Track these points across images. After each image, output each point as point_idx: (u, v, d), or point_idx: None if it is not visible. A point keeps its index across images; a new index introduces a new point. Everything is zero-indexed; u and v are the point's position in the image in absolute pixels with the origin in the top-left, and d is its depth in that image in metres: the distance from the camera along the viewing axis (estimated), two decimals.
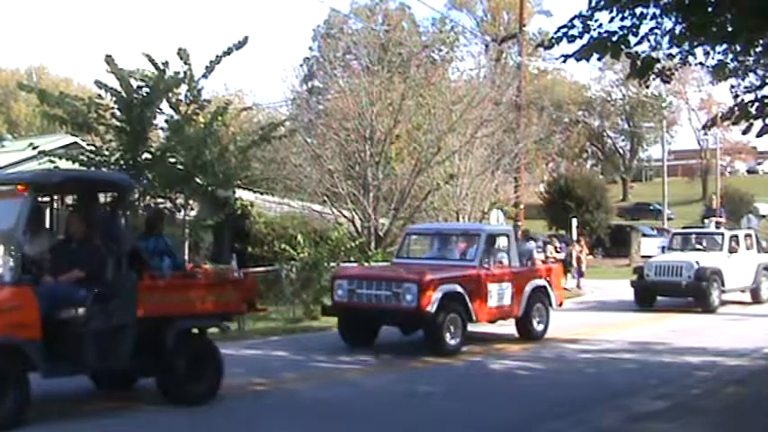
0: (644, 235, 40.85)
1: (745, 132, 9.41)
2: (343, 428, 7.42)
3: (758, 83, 9.43)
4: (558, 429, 7.31)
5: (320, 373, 10.06)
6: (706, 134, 61.34)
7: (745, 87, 9.51)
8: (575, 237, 29.73)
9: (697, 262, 18.33)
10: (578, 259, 26.77)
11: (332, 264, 16.10)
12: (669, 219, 50.72)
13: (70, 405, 7.84)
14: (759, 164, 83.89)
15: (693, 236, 20.78)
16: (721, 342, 13.16)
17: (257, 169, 24.08)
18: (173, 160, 13.80)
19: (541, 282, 13.35)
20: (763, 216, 41.37)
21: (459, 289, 11.64)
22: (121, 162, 13.51)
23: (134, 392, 8.51)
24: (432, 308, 11.11)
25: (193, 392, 7.94)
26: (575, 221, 31.53)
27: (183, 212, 14.07)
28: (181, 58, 13.51)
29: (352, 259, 16.91)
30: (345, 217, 19.68)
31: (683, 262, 18.51)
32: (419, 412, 8.06)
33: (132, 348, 7.49)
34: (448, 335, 11.33)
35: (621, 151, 73.84)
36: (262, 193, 18.93)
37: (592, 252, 29.24)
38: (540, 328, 13.24)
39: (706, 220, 21.73)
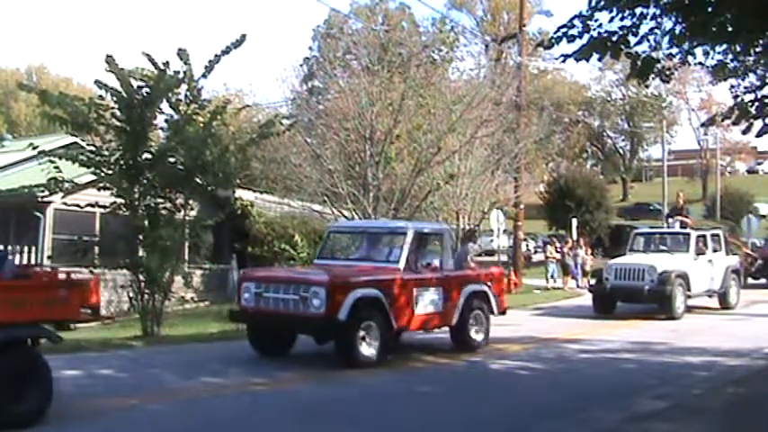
0: None
1: (745, 132, 9.41)
2: (343, 428, 7.42)
3: (758, 83, 9.43)
4: (558, 429, 7.31)
5: (320, 372, 10.05)
6: (706, 134, 61.44)
7: (745, 87, 9.52)
8: (574, 236, 29.78)
9: (661, 265, 17.00)
10: (575, 258, 26.79)
11: None
12: None
13: (70, 405, 7.83)
14: (759, 164, 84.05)
15: (657, 236, 19.39)
16: (721, 342, 13.16)
17: (257, 169, 24.11)
18: (173, 160, 13.79)
19: (480, 287, 12.11)
20: (763, 216, 41.39)
21: (378, 293, 10.37)
22: (121, 162, 13.51)
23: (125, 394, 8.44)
24: (342, 314, 9.88)
25: (10, 415, 6.66)
26: (575, 221, 31.58)
27: (182, 212, 14.05)
28: (180, 59, 13.51)
29: None
30: (345, 217, 19.68)
31: (646, 265, 17.10)
32: (419, 412, 8.05)
33: None
34: (363, 345, 10.15)
35: (621, 151, 73.95)
36: (261, 192, 18.95)
37: (593, 252, 29.25)
38: (478, 337, 11.98)
39: (670, 220, 20.19)
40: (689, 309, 17.38)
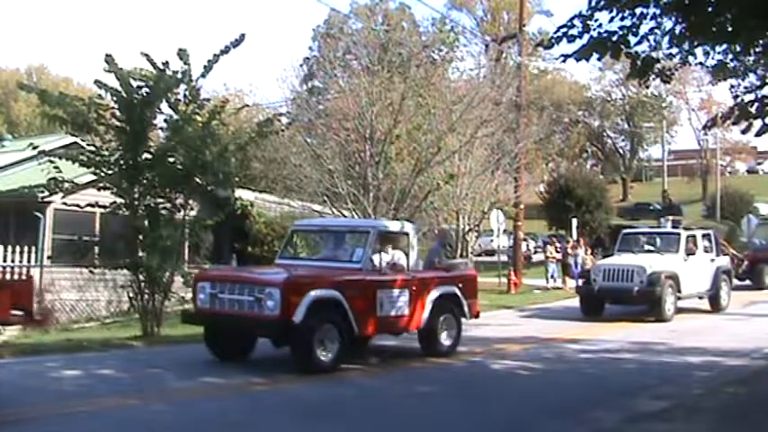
0: None
1: (744, 132, 9.44)
2: (343, 428, 7.41)
3: (758, 83, 9.45)
4: (558, 429, 7.31)
5: (320, 372, 10.03)
6: (706, 134, 61.42)
7: (745, 87, 9.53)
8: (575, 236, 29.77)
9: (650, 266, 16.55)
10: (576, 257, 26.76)
11: None
12: None
13: (71, 404, 7.84)
14: (759, 164, 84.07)
15: (646, 236, 18.82)
16: (721, 342, 13.16)
17: (257, 169, 24.13)
18: (172, 160, 13.80)
19: (451, 289, 11.47)
20: (763, 216, 41.32)
21: (337, 295, 9.84)
22: (121, 162, 13.51)
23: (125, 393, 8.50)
24: (297, 317, 9.38)
25: None
26: (575, 221, 31.56)
27: (182, 212, 14.05)
28: (180, 58, 13.51)
29: None
30: (345, 217, 19.68)
31: (635, 266, 16.64)
32: (419, 412, 8.05)
33: None
34: (320, 349, 9.64)
35: (621, 151, 73.97)
36: (261, 192, 18.93)
37: (593, 252, 29.23)
38: (447, 342, 11.40)
39: (662, 219, 19.76)
40: (679, 310, 17.04)
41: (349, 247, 11.36)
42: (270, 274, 10.55)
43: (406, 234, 11.57)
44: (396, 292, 10.67)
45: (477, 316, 12.21)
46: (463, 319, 11.92)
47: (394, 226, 12.03)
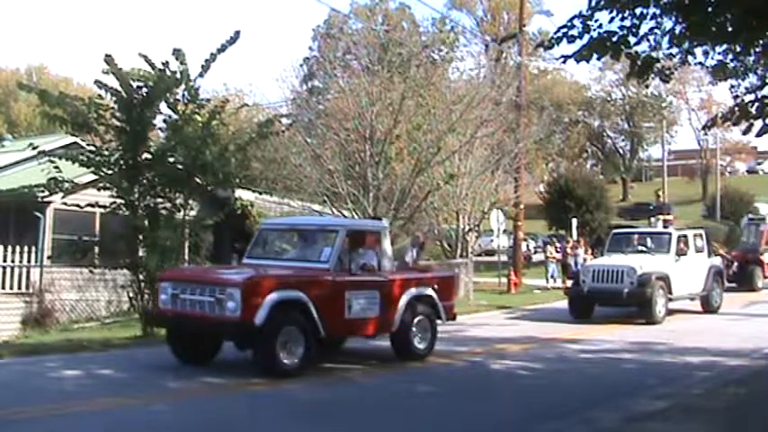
0: None
1: (745, 132, 9.41)
2: (343, 428, 7.41)
3: (758, 83, 9.44)
4: (558, 429, 7.29)
5: (320, 372, 10.04)
6: (706, 134, 61.45)
7: (746, 87, 9.52)
8: (575, 236, 29.75)
9: (640, 266, 16.15)
10: (576, 258, 26.75)
11: None
12: None
13: (71, 405, 7.84)
14: (759, 164, 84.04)
15: (637, 236, 18.38)
16: (721, 342, 13.16)
17: (257, 169, 24.13)
18: (172, 160, 13.81)
19: (425, 291, 11.06)
20: (752, 216, 41.26)
21: (302, 296, 9.47)
22: (121, 162, 13.52)
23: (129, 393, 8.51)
24: (259, 319, 9.03)
25: None
26: (575, 221, 31.56)
27: (182, 212, 14.05)
28: (177, 59, 13.53)
29: None
30: (345, 217, 19.69)
31: (625, 267, 16.19)
32: (419, 412, 8.05)
33: None
34: (284, 353, 9.28)
35: (621, 151, 73.98)
36: (261, 193, 18.94)
37: (593, 252, 29.25)
38: (421, 345, 10.97)
39: (653, 219, 19.31)
40: (677, 311, 16.74)
41: (318, 247, 10.88)
42: (231, 274, 10.27)
43: (377, 233, 11.20)
44: (366, 293, 10.31)
45: (453, 318, 11.90)
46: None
47: (364, 225, 11.70)
